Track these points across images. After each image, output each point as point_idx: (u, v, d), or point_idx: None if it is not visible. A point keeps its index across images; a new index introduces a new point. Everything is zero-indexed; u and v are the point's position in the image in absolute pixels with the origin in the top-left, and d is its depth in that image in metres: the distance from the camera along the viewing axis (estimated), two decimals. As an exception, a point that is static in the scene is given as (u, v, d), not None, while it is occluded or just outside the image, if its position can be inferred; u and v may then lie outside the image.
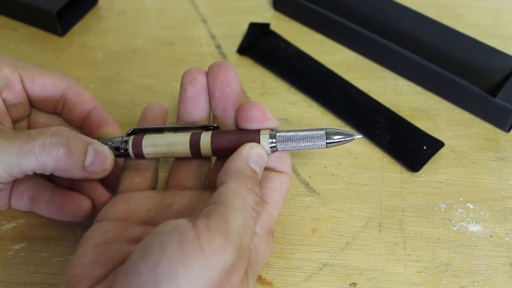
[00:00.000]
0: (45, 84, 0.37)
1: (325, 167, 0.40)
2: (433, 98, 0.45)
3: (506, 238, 0.36)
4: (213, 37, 0.50)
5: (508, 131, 0.42)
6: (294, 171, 0.40)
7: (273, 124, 0.33)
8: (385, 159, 0.41)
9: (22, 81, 0.36)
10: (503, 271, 0.34)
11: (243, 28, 0.50)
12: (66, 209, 0.35)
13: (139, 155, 0.34)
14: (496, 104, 0.41)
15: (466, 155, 0.41)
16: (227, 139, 0.33)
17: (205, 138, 0.33)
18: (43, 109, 0.38)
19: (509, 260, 0.35)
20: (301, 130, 0.32)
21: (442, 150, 0.41)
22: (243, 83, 0.46)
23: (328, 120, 0.43)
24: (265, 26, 0.50)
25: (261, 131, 0.32)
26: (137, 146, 0.34)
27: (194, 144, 0.33)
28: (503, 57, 0.44)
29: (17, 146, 0.31)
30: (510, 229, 0.36)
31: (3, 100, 0.36)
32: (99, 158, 0.33)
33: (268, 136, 0.32)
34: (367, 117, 0.43)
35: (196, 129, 0.35)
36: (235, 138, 0.32)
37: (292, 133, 0.32)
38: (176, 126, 0.35)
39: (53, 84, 0.37)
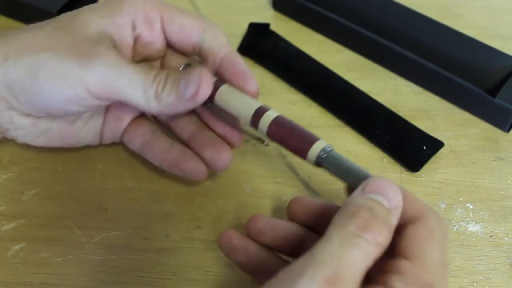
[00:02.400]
0: (183, 26, 0.36)
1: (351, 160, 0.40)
2: (433, 98, 0.45)
3: (506, 238, 0.36)
4: (213, 37, 0.50)
5: (508, 131, 0.42)
6: (294, 171, 0.40)
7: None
8: (384, 159, 0.41)
9: (162, 19, 0.36)
10: (503, 271, 0.35)
11: (243, 28, 0.50)
12: (184, 166, 0.36)
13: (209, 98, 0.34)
14: (496, 104, 0.41)
15: (465, 155, 0.41)
16: (283, 131, 0.33)
17: (266, 120, 0.33)
18: (180, 50, 0.38)
19: (508, 260, 0.35)
20: (353, 163, 0.31)
21: (441, 150, 0.41)
22: (243, 83, 0.46)
23: (328, 120, 0.43)
24: (265, 26, 0.50)
25: (318, 142, 0.32)
26: (215, 88, 0.34)
27: (255, 115, 0.33)
28: (503, 57, 0.44)
29: (129, 71, 0.32)
30: (509, 229, 0.37)
31: (139, 36, 0.36)
32: (190, 81, 0.32)
33: (323, 146, 0.31)
34: (367, 117, 0.43)
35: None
36: (291, 138, 0.32)
37: (345, 160, 0.31)
38: None
39: (192, 26, 0.36)
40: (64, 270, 0.36)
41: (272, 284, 0.23)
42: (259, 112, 0.33)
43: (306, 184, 0.39)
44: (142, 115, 0.39)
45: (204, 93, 0.32)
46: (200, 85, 0.32)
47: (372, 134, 0.42)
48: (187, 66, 0.37)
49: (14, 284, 0.35)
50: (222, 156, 0.36)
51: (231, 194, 0.39)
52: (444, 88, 0.44)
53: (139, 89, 0.32)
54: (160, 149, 0.37)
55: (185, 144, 0.38)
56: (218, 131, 0.37)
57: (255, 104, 0.34)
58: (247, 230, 0.32)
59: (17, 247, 0.37)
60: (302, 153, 0.32)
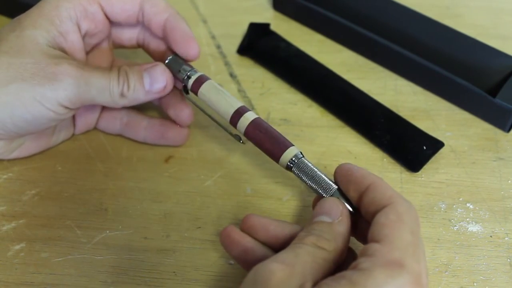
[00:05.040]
0: (124, 4, 0.38)
1: (325, 167, 0.40)
2: (433, 98, 0.45)
3: (506, 238, 0.36)
4: (213, 37, 0.50)
5: (508, 131, 0.42)
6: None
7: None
8: (385, 159, 0.41)
9: (101, 7, 0.38)
10: (503, 271, 0.35)
11: (243, 28, 0.50)
12: (167, 135, 0.41)
13: (195, 87, 0.38)
14: (496, 104, 0.41)
15: (466, 155, 0.41)
16: (259, 134, 0.35)
17: (244, 121, 0.36)
18: (126, 25, 0.40)
19: (508, 260, 0.35)
20: (320, 171, 0.34)
21: (442, 150, 0.41)
22: (243, 83, 0.46)
23: (328, 120, 0.43)
24: (265, 26, 0.50)
25: (290, 148, 0.34)
26: (199, 82, 0.37)
27: (235, 115, 0.36)
28: (503, 57, 0.44)
29: (95, 81, 0.35)
30: (510, 229, 0.37)
31: (86, 32, 0.38)
32: (157, 78, 0.37)
33: (295, 153, 0.34)
34: (367, 117, 0.43)
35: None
36: (266, 141, 0.35)
37: (312, 168, 0.34)
38: None
39: (131, 2, 0.38)
40: (64, 270, 0.36)
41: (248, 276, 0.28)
42: (239, 113, 0.36)
43: (305, 185, 0.39)
44: None
45: (170, 87, 0.38)
46: (165, 80, 0.37)
47: (372, 134, 0.42)
48: (174, 57, 0.39)
49: (14, 284, 0.35)
50: (183, 113, 0.40)
51: (231, 194, 0.39)
52: (444, 88, 0.44)
53: (106, 93, 0.36)
54: (142, 127, 0.41)
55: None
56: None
57: (235, 104, 0.36)
58: (240, 228, 0.34)
59: (17, 247, 0.37)
60: (275, 157, 0.35)
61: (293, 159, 0.34)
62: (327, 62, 0.47)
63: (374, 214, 0.29)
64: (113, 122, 0.42)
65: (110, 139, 0.43)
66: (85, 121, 0.42)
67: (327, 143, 0.42)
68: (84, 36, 0.38)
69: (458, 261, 0.35)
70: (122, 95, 0.36)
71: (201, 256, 0.36)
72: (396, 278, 0.24)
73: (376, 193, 0.30)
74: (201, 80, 0.38)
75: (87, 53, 0.40)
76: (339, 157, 0.41)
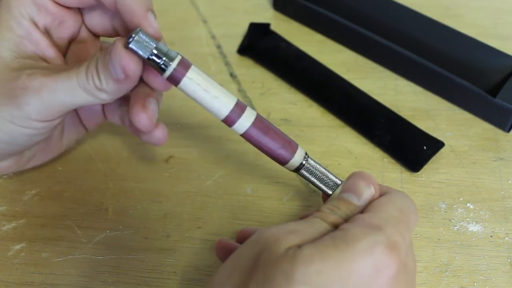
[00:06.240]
0: None
1: (326, 167, 0.40)
2: (433, 98, 0.45)
3: (506, 238, 0.36)
4: (213, 37, 0.50)
5: (508, 131, 0.42)
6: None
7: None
8: (385, 159, 0.41)
9: None
10: (503, 271, 0.35)
11: (243, 28, 0.50)
12: (142, 138, 0.34)
13: (174, 79, 0.30)
14: (496, 104, 0.41)
15: (466, 155, 0.41)
16: (263, 135, 0.31)
17: (244, 123, 0.31)
18: (91, 11, 0.35)
19: (509, 260, 0.35)
20: (327, 170, 0.33)
21: (442, 150, 0.41)
22: (243, 83, 0.46)
23: (328, 120, 0.43)
24: (265, 26, 0.50)
25: (299, 150, 0.33)
26: (184, 67, 0.29)
27: (232, 114, 0.30)
28: (503, 57, 0.44)
29: (61, 85, 0.31)
30: (510, 229, 0.37)
31: (46, 27, 0.34)
32: (116, 64, 0.29)
33: (303, 153, 0.33)
34: (367, 117, 0.43)
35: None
36: (271, 145, 0.32)
37: (319, 167, 0.33)
38: None
39: None
40: (64, 270, 0.36)
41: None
42: (233, 115, 0.30)
43: (306, 184, 0.39)
44: None
45: (133, 69, 0.30)
46: (123, 63, 0.29)
47: (373, 134, 0.42)
48: (138, 33, 0.29)
49: (15, 284, 0.35)
50: (139, 118, 0.33)
51: (231, 194, 0.39)
52: (444, 88, 0.44)
53: (78, 93, 0.31)
54: (127, 124, 0.36)
55: None
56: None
57: (231, 100, 0.30)
58: (237, 241, 0.34)
59: (17, 247, 0.37)
60: (281, 162, 0.32)
61: (303, 162, 0.32)
62: (327, 62, 0.47)
63: None
64: (114, 115, 0.38)
65: (110, 139, 0.43)
66: (90, 118, 0.39)
67: (327, 143, 0.42)
68: (48, 32, 0.34)
69: (458, 261, 0.35)
70: (99, 88, 0.31)
71: (201, 256, 0.36)
72: (371, 236, 0.25)
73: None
74: (181, 69, 0.29)
75: (66, 49, 0.36)
76: (339, 157, 0.41)
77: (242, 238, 0.33)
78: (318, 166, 0.33)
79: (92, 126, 0.39)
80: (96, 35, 0.37)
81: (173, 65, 0.29)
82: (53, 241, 0.37)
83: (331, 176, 0.33)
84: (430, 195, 0.39)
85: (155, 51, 0.29)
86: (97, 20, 0.36)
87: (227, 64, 0.48)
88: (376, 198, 0.29)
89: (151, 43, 0.29)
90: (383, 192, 0.30)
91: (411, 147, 0.41)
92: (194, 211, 0.38)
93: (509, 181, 0.39)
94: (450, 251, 0.36)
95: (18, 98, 0.31)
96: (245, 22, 0.50)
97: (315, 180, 0.33)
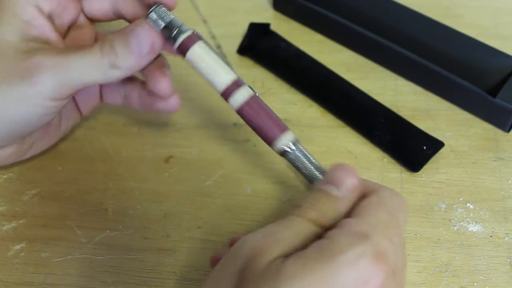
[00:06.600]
0: None
1: (326, 167, 0.40)
2: (433, 98, 0.45)
3: (506, 238, 0.36)
4: (213, 37, 0.50)
5: (508, 131, 0.42)
6: (294, 171, 0.40)
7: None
8: (385, 159, 0.41)
9: None
10: (503, 271, 0.35)
11: (243, 28, 0.50)
12: (157, 105, 0.38)
13: (182, 50, 0.33)
14: (496, 104, 0.41)
15: (466, 155, 0.41)
16: (257, 113, 0.32)
17: (239, 97, 0.32)
18: None
19: (509, 260, 0.35)
20: (315, 160, 0.32)
21: (442, 150, 0.41)
22: (243, 83, 0.46)
23: (328, 120, 0.43)
24: (265, 26, 0.50)
25: (288, 131, 0.32)
26: (192, 40, 0.33)
27: (228, 89, 0.33)
28: (503, 57, 0.44)
29: (75, 62, 0.32)
30: (510, 229, 0.37)
31: (50, 13, 0.35)
32: (142, 38, 0.32)
33: (291, 137, 0.32)
34: (367, 117, 0.43)
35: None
36: (263, 122, 0.32)
37: (307, 154, 0.32)
38: None
39: None
40: (64, 270, 0.36)
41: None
42: (232, 87, 0.33)
43: (306, 184, 0.39)
44: None
45: (158, 43, 0.33)
46: (151, 38, 0.33)
47: (373, 134, 0.42)
48: (157, 8, 0.33)
49: (14, 284, 0.35)
50: (160, 85, 0.36)
51: (231, 194, 0.39)
52: (444, 88, 0.44)
53: (92, 70, 0.32)
54: (135, 98, 0.39)
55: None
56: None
57: (229, 77, 0.33)
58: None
59: (17, 247, 0.37)
60: (268, 140, 0.33)
61: (289, 144, 0.32)
62: (327, 62, 0.47)
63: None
64: (115, 96, 0.40)
65: (110, 139, 0.43)
66: (87, 101, 0.40)
67: (327, 143, 0.42)
68: (51, 18, 0.35)
69: (458, 261, 0.35)
70: (112, 66, 0.33)
71: (201, 256, 0.36)
72: (357, 246, 0.24)
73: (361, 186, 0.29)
74: (190, 41, 0.33)
75: (65, 35, 0.37)
76: (339, 157, 0.41)
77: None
78: (305, 154, 0.32)
79: (87, 110, 0.41)
80: (92, 20, 0.38)
81: (183, 36, 0.33)
82: (53, 241, 0.37)
83: (316, 165, 0.32)
84: (430, 195, 0.39)
85: (169, 23, 0.33)
86: (97, 5, 0.37)
87: (227, 64, 0.48)
88: (365, 197, 0.28)
89: (167, 16, 0.33)
90: (369, 189, 0.28)
91: (411, 147, 0.41)
92: (194, 211, 0.38)
93: (509, 181, 0.39)
94: (450, 251, 0.36)
95: (32, 76, 0.32)
96: (245, 22, 0.50)
97: (300, 168, 0.32)
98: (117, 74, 0.33)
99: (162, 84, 0.35)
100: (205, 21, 0.52)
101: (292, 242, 0.25)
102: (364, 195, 0.28)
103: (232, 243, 0.33)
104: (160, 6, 0.33)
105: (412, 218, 0.37)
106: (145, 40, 0.32)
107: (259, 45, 0.49)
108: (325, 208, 0.27)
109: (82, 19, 0.38)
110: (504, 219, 0.37)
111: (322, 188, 0.28)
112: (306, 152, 0.32)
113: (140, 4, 0.35)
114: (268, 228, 0.26)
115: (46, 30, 0.34)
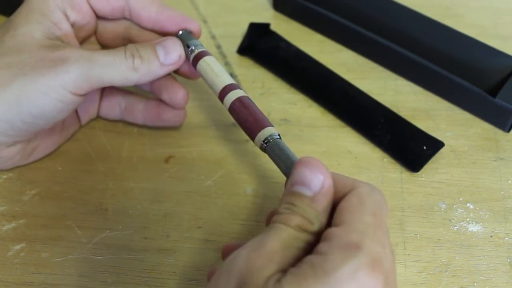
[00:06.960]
0: None
1: (293, 153, 0.40)
2: (433, 98, 0.45)
3: (506, 238, 0.36)
4: (213, 37, 0.50)
5: (508, 131, 0.42)
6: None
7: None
8: (385, 159, 0.41)
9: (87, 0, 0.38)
10: (503, 271, 0.35)
11: (243, 28, 0.50)
12: (164, 117, 0.41)
13: (197, 58, 0.38)
14: (496, 104, 0.41)
15: (466, 155, 0.41)
16: (242, 110, 0.35)
17: (231, 96, 0.35)
18: (111, 18, 0.40)
19: (509, 260, 0.35)
20: (292, 155, 0.32)
21: (442, 150, 0.41)
22: (243, 83, 0.46)
23: (328, 120, 0.43)
24: (265, 26, 0.50)
25: (268, 127, 0.33)
26: (201, 55, 0.38)
27: (224, 90, 0.36)
28: (503, 57, 0.44)
29: (99, 58, 0.35)
30: (510, 229, 0.37)
31: (74, 23, 0.38)
32: (170, 49, 0.37)
33: (271, 132, 0.33)
34: (367, 117, 0.43)
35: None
36: (248, 117, 0.34)
37: (285, 148, 0.32)
38: None
39: None
40: (64, 270, 0.36)
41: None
42: (228, 88, 0.36)
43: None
44: (108, 87, 0.42)
45: (183, 58, 0.38)
46: (179, 50, 0.37)
47: (373, 134, 0.42)
48: (185, 32, 0.39)
49: (14, 284, 0.35)
50: (177, 95, 0.40)
51: (231, 194, 0.39)
52: (444, 88, 0.44)
53: (114, 69, 0.35)
54: (139, 110, 0.41)
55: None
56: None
57: (227, 81, 0.36)
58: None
59: (17, 247, 0.37)
60: (252, 135, 0.34)
61: (268, 138, 0.32)
62: (327, 62, 0.47)
63: (337, 202, 0.27)
64: (113, 108, 0.42)
65: (110, 139, 0.43)
66: (87, 111, 0.42)
67: (327, 143, 0.42)
68: (73, 27, 0.38)
69: (458, 261, 0.35)
70: (134, 69, 0.35)
71: (201, 256, 0.36)
72: (352, 260, 0.24)
73: (337, 183, 0.28)
74: (203, 54, 0.38)
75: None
76: (339, 157, 0.41)
77: (226, 255, 0.31)
78: (283, 150, 0.32)
79: (85, 119, 0.42)
80: (103, 44, 0.41)
81: (195, 52, 0.38)
82: (53, 241, 0.37)
83: (293, 158, 0.31)
84: (430, 195, 0.39)
85: (190, 43, 0.38)
86: (111, 29, 0.40)
87: (227, 64, 0.48)
88: (343, 196, 0.27)
89: (190, 38, 0.39)
90: (345, 184, 0.28)
91: (411, 147, 0.41)
92: (194, 211, 0.38)
93: (509, 181, 0.39)
94: (450, 251, 0.36)
95: (57, 67, 0.33)
96: (245, 22, 0.50)
97: (279, 164, 0.32)
98: (135, 77, 0.36)
99: (179, 95, 0.39)
100: (205, 21, 0.52)
101: (284, 256, 0.25)
102: (339, 190, 0.28)
103: (224, 251, 0.33)
104: (187, 31, 0.39)
105: (412, 218, 0.37)
106: (174, 51, 0.37)
107: (259, 45, 0.49)
108: (304, 211, 0.27)
109: (93, 39, 0.41)
110: (504, 219, 0.37)
111: (293, 190, 0.27)
112: (285, 149, 0.32)
113: (152, 34, 0.39)
114: (258, 241, 0.26)
115: (69, 35, 0.37)
